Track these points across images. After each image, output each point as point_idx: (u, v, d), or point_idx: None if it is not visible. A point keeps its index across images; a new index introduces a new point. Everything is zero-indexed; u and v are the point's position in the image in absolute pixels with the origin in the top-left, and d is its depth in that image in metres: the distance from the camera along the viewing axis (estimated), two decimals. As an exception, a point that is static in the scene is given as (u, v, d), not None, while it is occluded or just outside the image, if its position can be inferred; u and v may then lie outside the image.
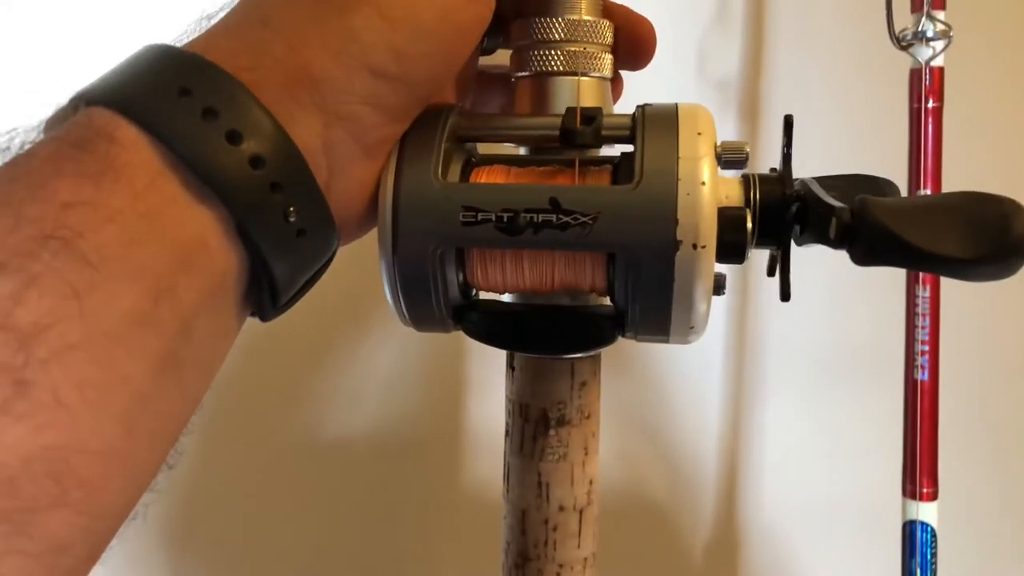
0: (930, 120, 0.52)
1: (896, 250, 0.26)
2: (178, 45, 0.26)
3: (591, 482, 0.38)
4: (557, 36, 0.34)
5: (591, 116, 0.30)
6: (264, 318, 0.28)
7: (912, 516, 0.55)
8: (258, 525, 0.72)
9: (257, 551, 0.72)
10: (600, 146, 0.31)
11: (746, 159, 0.29)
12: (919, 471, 0.53)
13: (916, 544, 0.54)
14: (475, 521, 0.71)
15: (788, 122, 0.32)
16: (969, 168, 0.59)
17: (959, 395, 0.59)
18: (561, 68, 0.34)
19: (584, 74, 0.34)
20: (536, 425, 0.37)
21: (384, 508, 0.73)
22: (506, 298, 0.35)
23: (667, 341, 0.31)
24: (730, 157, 0.29)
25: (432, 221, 0.29)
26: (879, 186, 0.36)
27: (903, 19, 0.54)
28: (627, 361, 0.73)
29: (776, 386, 0.74)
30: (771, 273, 0.32)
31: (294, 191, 0.25)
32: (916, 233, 0.25)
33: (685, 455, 0.77)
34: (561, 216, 0.28)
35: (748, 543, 0.76)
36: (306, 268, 0.27)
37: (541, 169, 0.31)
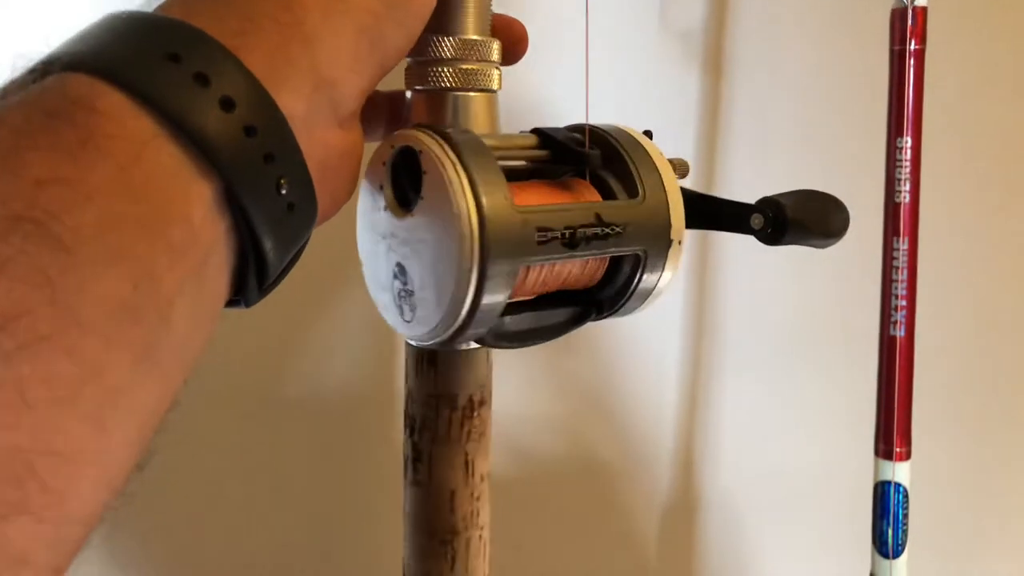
0: (912, 63, 0.49)
1: (803, 234, 0.38)
2: (150, 11, 0.24)
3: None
4: (449, 54, 0.37)
5: (581, 140, 0.35)
6: (248, 302, 0.26)
7: (885, 476, 0.53)
8: (217, 482, 0.66)
9: (216, 510, 0.67)
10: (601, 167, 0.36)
11: (685, 175, 0.38)
12: (894, 431, 0.52)
13: (889, 505, 0.52)
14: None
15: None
16: (951, 113, 0.56)
17: (932, 351, 0.56)
18: (454, 84, 0.38)
19: (476, 89, 0.38)
20: (463, 411, 0.40)
21: (337, 465, 0.68)
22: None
23: (632, 312, 0.38)
24: (680, 172, 0.38)
25: (518, 244, 0.31)
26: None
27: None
28: (583, 335, 0.64)
29: (735, 356, 0.71)
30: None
31: (285, 162, 0.25)
32: (814, 221, 0.38)
33: (641, 426, 0.72)
34: (604, 228, 0.34)
35: (706, 510, 0.74)
36: (293, 245, 0.27)
37: (551, 184, 0.35)
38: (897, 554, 0.52)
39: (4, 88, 0.22)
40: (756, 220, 0.38)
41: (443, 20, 0.35)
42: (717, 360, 0.72)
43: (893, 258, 0.51)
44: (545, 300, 0.37)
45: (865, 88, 0.57)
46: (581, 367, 0.70)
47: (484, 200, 0.30)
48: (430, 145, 0.31)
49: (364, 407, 0.69)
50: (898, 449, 0.52)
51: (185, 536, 0.69)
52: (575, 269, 0.35)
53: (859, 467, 0.56)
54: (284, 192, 0.24)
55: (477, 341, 0.35)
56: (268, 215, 0.24)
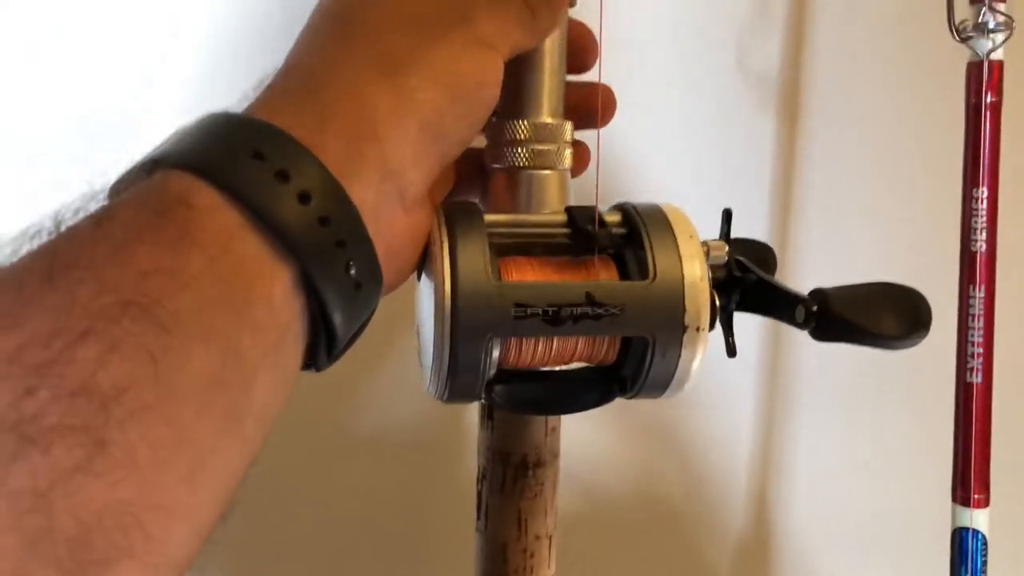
0: (988, 115, 0.50)
1: (851, 332, 0.35)
2: (238, 112, 0.28)
3: (557, 512, 0.44)
4: (523, 136, 0.39)
5: (600, 219, 0.36)
6: (318, 368, 0.29)
7: (963, 523, 0.52)
8: (283, 521, 0.70)
9: (281, 547, 0.70)
10: (611, 247, 0.37)
11: (726, 256, 0.37)
12: (971, 477, 0.51)
13: (967, 552, 0.52)
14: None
15: (727, 214, 0.41)
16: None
17: (1009, 399, 0.55)
18: (528, 164, 0.39)
19: (550, 168, 0.40)
20: (516, 469, 0.43)
21: (408, 504, 0.72)
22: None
23: (657, 398, 0.38)
24: (714, 256, 0.37)
25: (489, 317, 0.33)
26: (759, 250, 0.46)
27: (962, 10, 0.51)
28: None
29: (810, 395, 0.71)
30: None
31: (354, 247, 0.27)
32: (864, 319, 0.35)
33: (715, 466, 0.72)
34: (595, 308, 0.34)
35: (779, 555, 0.73)
36: (359, 318, 0.29)
37: (557, 261, 0.37)
38: (976, 600, 0.52)
39: (116, 183, 0.27)
40: (800, 312, 0.35)
41: (519, 104, 0.38)
42: (792, 399, 0.71)
43: (969, 306, 0.51)
44: (570, 374, 0.38)
45: (942, 137, 0.56)
46: (653, 405, 0.68)
47: (460, 273, 0.33)
48: (436, 220, 0.35)
49: (433, 447, 0.71)
50: (976, 496, 0.52)
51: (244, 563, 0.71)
52: (580, 347, 0.36)
53: (935, 511, 0.55)
54: (352, 273, 0.27)
55: (490, 403, 0.38)
56: (338, 294, 0.27)
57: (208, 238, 0.24)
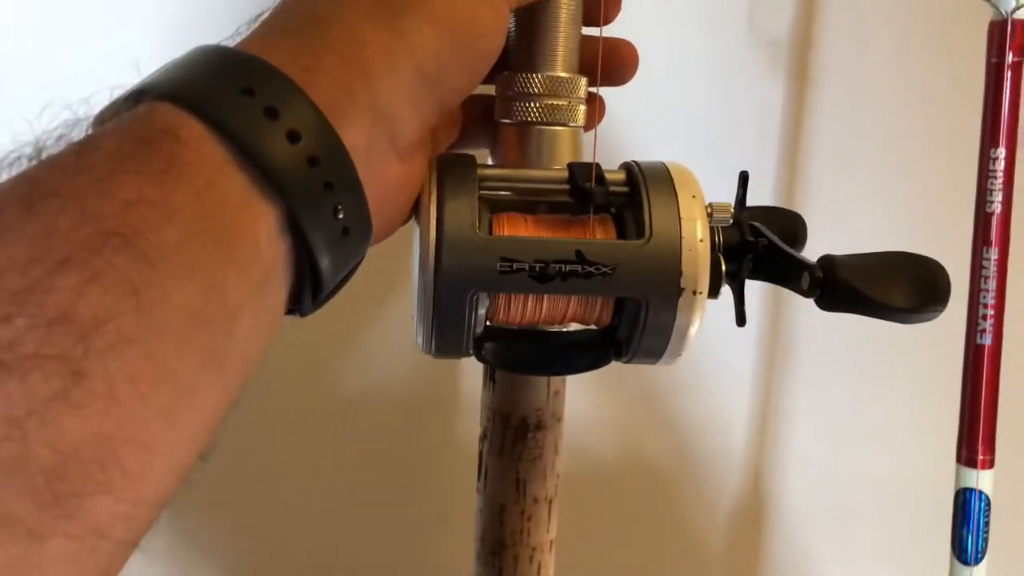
0: (1010, 75, 0.49)
1: (858, 302, 0.33)
2: (231, 45, 0.27)
3: (559, 475, 0.44)
4: (535, 90, 0.38)
5: (599, 176, 0.35)
6: (303, 312, 0.29)
7: (967, 484, 0.52)
8: (269, 485, 0.71)
9: (268, 511, 0.71)
10: (609, 205, 0.36)
11: (730, 220, 0.36)
12: (978, 439, 0.51)
13: (970, 512, 0.52)
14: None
15: (743, 178, 0.39)
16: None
17: (1018, 360, 0.55)
18: (539, 119, 0.38)
19: (561, 125, 0.39)
20: (516, 431, 0.42)
21: (394, 465, 0.72)
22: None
23: (654, 363, 0.37)
24: (718, 218, 0.35)
25: (473, 270, 0.33)
26: (789, 220, 0.44)
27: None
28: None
29: (808, 363, 0.71)
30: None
31: (343, 190, 0.27)
32: (873, 288, 0.33)
33: (709, 432, 0.72)
34: (585, 267, 0.33)
35: (773, 524, 0.74)
36: (346, 264, 0.29)
37: (554, 218, 0.36)
38: (977, 561, 0.53)
39: (101, 113, 0.26)
40: (805, 279, 0.33)
41: (532, 57, 0.37)
42: (790, 366, 0.71)
43: (983, 267, 0.51)
44: (565, 335, 0.37)
45: (956, 99, 0.56)
46: (651, 371, 0.68)
47: (446, 225, 0.32)
48: (430, 169, 0.34)
49: (425, 407, 0.70)
50: (982, 457, 0.52)
51: (242, 525, 0.72)
52: (572, 307, 0.35)
53: (932, 476, 0.56)
54: (340, 217, 0.26)
55: (481, 361, 0.37)
56: (324, 237, 0.26)
57: (194, 172, 0.23)
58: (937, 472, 0.54)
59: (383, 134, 0.29)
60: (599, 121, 0.42)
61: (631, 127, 0.57)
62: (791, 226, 0.44)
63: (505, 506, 0.43)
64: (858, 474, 0.73)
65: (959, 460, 0.53)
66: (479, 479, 0.44)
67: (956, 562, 0.53)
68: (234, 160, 0.24)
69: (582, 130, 0.40)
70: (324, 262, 0.27)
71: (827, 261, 0.34)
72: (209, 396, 0.23)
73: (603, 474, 0.73)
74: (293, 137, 0.25)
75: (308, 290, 0.28)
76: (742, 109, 0.67)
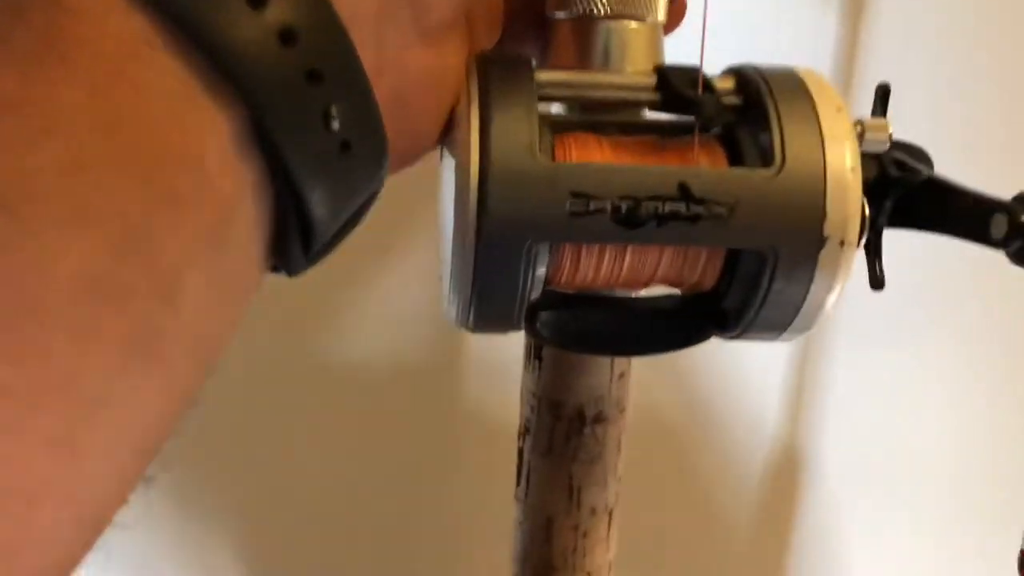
0: None
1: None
2: None
3: (619, 480, 0.34)
4: None
5: (706, 82, 0.25)
6: (291, 270, 0.20)
7: None
8: (265, 452, 0.65)
9: (264, 480, 0.66)
10: (715, 123, 0.26)
11: (887, 143, 0.26)
12: None
13: None
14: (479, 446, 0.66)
15: (884, 92, 0.29)
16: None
17: None
18: (607, 12, 0.28)
19: (638, 19, 0.29)
20: (570, 423, 0.32)
21: (392, 434, 0.67)
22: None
23: (775, 340, 0.27)
24: (872, 139, 0.25)
25: (533, 210, 0.23)
26: (914, 155, 0.34)
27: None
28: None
29: (850, 325, 0.67)
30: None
31: (338, 83, 0.18)
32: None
33: (747, 392, 0.68)
34: (693, 206, 0.23)
35: (807, 492, 0.71)
36: (350, 196, 0.20)
37: (639, 140, 0.26)
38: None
39: None
40: (999, 224, 0.23)
41: None
42: (828, 328, 0.65)
43: None
44: (646, 301, 0.28)
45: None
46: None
47: (493, 147, 0.22)
48: (469, 72, 0.24)
49: (426, 381, 0.65)
50: None
51: (222, 509, 0.68)
52: (665, 263, 0.25)
53: (969, 447, 0.56)
54: (336, 126, 0.18)
55: (533, 336, 0.27)
56: (312, 156, 0.18)
57: (91, 55, 0.15)
58: (974, 443, 0.53)
59: (402, 3, 0.21)
60: (680, 19, 0.32)
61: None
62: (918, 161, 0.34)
63: (554, 519, 0.33)
64: (895, 444, 0.69)
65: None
66: (519, 483, 0.34)
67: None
68: (161, 36, 0.16)
69: (662, 29, 0.30)
70: (315, 195, 0.18)
71: (1031, 200, 0.24)
72: (137, 407, 0.16)
73: (629, 437, 0.69)
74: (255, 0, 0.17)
75: (295, 238, 0.19)
76: (789, 46, 0.58)
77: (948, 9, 0.59)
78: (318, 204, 0.18)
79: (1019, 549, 0.41)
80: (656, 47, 0.29)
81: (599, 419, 0.32)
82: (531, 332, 0.27)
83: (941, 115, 0.60)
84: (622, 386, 0.33)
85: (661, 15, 0.29)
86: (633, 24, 0.28)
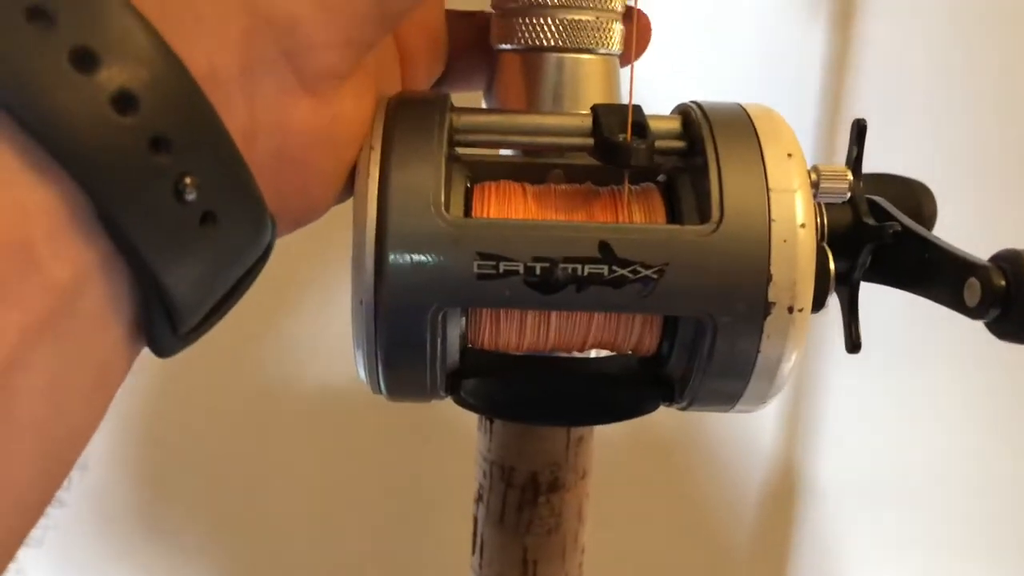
0: None
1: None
2: None
3: (583, 551, 0.31)
4: (551, 1, 0.26)
5: (638, 124, 0.22)
6: (163, 351, 0.18)
7: None
8: (234, 486, 0.65)
9: (233, 513, 0.65)
10: (655, 170, 0.24)
11: (847, 194, 0.23)
12: None
13: None
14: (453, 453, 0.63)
15: (859, 129, 0.26)
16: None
17: None
18: (556, 43, 0.26)
19: (589, 51, 0.26)
20: (522, 492, 0.30)
21: (366, 463, 0.66)
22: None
23: (729, 411, 0.24)
24: (829, 189, 0.22)
25: (436, 274, 0.21)
26: (910, 192, 0.31)
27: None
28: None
29: (842, 358, 0.71)
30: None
31: (192, 150, 0.16)
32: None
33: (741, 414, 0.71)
34: (615, 268, 0.21)
35: (807, 495, 0.70)
36: (220, 272, 0.18)
37: (570, 190, 0.23)
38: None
39: None
40: (972, 290, 0.20)
41: None
42: (827, 339, 0.61)
43: None
44: (587, 364, 0.25)
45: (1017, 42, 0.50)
46: None
47: (391, 204, 0.20)
48: (376, 118, 0.22)
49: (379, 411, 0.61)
50: None
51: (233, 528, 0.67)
52: (595, 328, 0.23)
53: (970, 462, 0.55)
54: (191, 197, 0.16)
55: (461, 406, 0.25)
56: (165, 233, 0.16)
57: None
58: (976, 458, 0.52)
59: (275, 53, 0.19)
60: (642, 50, 0.29)
61: (656, 77, 0.50)
62: (914, 200, 0.31)
63: (508, 594, 0.31)
64: (892, 463, 0.68)
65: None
66: (473, 552, 0.32)
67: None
68: None
69: (618, 61, 0.27)
70: (171, 274, 0.17)
71: (1014, 261, 0.21)
72: None
73: (622, 456, 0.66)
74: (84, 60, 0.15)
75: (159, 319, 0.18)
76: (779, 56, 0.56)
77: (939, 19, 0.57)
78: (179, 282, 0.17)
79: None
80: (611, 80, 0.27)
81: (555, 487, 0.30)
82: (457, 401, 0.24)
83: (940, 128, 0.59)
84: (582, 451, 0.30)
85: (616, 46, 0.26)
86: (585, 56, 0.26)
